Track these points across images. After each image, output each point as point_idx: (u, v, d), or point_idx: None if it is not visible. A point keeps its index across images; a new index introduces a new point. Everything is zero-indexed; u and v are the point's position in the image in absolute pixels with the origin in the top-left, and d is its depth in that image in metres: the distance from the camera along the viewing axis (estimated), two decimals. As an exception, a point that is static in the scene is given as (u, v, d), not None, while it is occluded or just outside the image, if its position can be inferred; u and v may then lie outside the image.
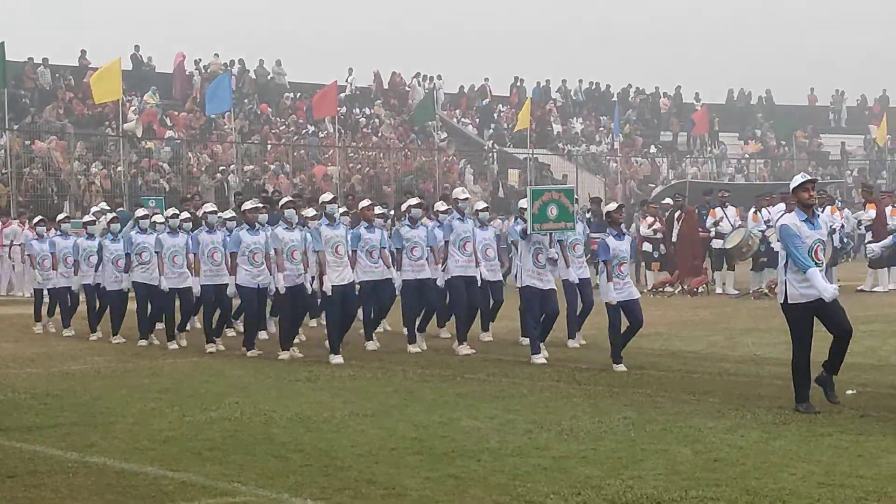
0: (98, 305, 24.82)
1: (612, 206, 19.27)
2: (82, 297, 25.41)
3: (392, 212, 29.86)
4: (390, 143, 56.69)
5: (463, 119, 63.44)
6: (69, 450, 12.70)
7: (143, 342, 23.00)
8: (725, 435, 12.81)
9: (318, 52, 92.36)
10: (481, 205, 22.34)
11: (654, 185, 57.36)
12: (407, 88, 63.23)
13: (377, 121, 59.54)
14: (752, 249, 31.11)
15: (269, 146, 52.69)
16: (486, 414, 14.48)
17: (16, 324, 28.68)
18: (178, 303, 23.03)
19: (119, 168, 44.51)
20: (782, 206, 29.93)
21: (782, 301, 14.65)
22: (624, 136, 64.53)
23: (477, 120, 63.82)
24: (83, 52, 54.56)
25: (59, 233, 25.68)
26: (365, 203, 21.60)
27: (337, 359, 19.76)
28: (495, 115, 64.47)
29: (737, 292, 31.39)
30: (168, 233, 22.68)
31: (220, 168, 47.83)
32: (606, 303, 18.02)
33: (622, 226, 18.83)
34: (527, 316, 19.89)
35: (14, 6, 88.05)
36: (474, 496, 10.22)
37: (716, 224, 31.81)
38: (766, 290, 28.49)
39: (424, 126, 58.39)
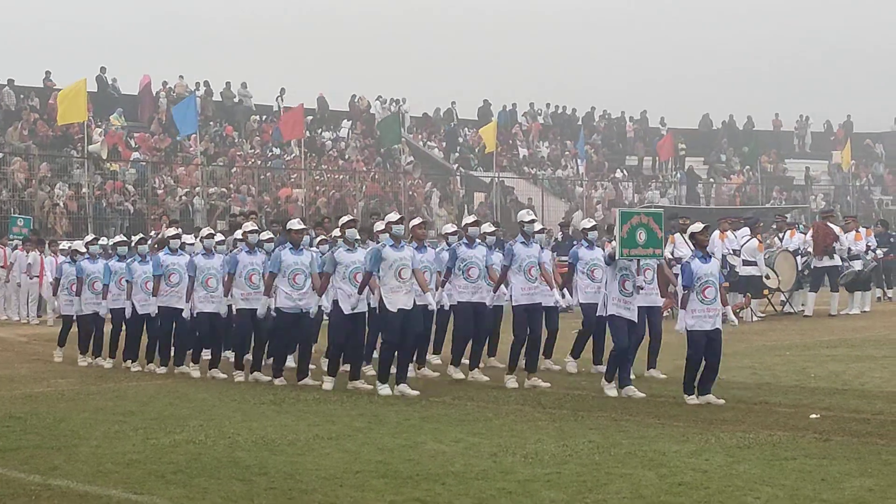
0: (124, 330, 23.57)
1: (698, 226, 17.59)
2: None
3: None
4: (356, 167, 56.72)
5: (429, 142, 63.47)
6: (32, 472, 12.67)
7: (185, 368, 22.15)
8: (690, 459, 12.86)
9: (284, 75, 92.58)
10: (538, 226, 20.65)
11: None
12: (372, 112, 63.25)
13: (343, 144, 59.56)
14: None
15: (234, 168, 52.66)
16: (451, 437, 14.49)
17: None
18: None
19: (84, 190, 44.40)
20: (747, 230, 30.10)
21: None
22: (589, 160, 64.76)
23: (443, 143, 63.86)
24: (48, 73, 54.40)
25: (86, 256, 24.28)
26: (417, 221, 20.27)
27: (400, 388, 18.59)
28: (461, 139, 64.51)
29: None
30: (203, 254, 21.86)
31: (185, 190, 47.84)
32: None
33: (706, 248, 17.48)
34: (614, 348, 18.29)
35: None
36: (439, 519, 10.23)
37: (671, 252, 31.57)
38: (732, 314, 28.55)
39: (391, 149, 58.49)
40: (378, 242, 20.13)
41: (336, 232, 20.47)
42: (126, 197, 45.74)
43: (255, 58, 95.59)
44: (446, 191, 56.84)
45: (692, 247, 17.52)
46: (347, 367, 19.94)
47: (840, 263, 32.25)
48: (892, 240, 39.56)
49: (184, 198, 47.07)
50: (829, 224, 33.30)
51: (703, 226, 17.53)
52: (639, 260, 18.03)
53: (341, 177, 55.22)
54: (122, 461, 13.27)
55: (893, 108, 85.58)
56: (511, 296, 19.72)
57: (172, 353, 22.45)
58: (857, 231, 34.25)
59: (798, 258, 32.16)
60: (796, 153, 74.36)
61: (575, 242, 21.26)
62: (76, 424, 16.09)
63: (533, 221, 20.35)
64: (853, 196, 66.94)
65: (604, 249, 20.24)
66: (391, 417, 16.36)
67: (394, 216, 19.66)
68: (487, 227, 21.29)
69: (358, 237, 19.98)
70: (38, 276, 34.63)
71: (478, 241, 20.24)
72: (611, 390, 18.02)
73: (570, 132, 67.93)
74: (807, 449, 13.36)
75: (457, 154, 62.82)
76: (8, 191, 43.27)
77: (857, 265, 32.43)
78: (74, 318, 24.44)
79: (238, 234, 22.91)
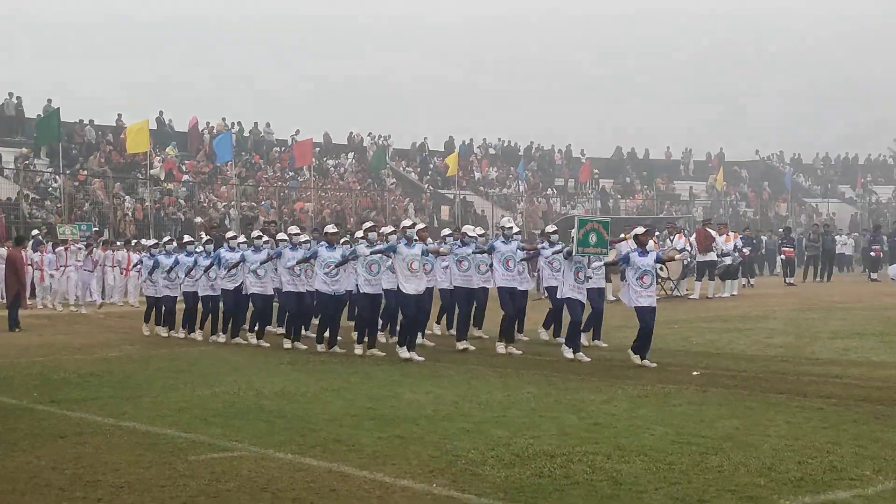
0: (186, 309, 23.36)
1: (640, 230, 17.64)
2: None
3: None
4: (352, 186, 56.68)
5: (407, 168, 63.49)
6: (107, 416, 12.64)
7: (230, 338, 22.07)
8: (602, 405, 12.88)
9: (298, 117, 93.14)
10: (516, 229, 20.60)
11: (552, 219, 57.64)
12: (364, 144, 63.26)
13: (342, 169, 59.54)
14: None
15: (260, 187, 52.56)
16: (424, 389, 14.48)
17: (65, 320, 28.50)
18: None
19: (147, 203, 44.34)
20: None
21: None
22: (527, 181, 64.85)
23: (418, 168, 63.90)
24: (119, 115, 54.23)
25: (162, 252, 23.85)
26: (421, 226, 19.31)
27: (408, 353, 18.15)
28: (431, 165, 64.50)
29: (614, 298, 31.50)
30: (252, 250, 21.65)
31: (223, 204, 47.85)
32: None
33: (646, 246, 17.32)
34: (571, 321, 18.05)
35: (66, 79, 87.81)
36: (414, 451, 10.22)
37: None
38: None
39: (378, 173, 58.50)
40: (501, 238, 20.04)
41: (359, 233, 20.14)
42: (178, 209, 45.70)
43: (276, 106, 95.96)
44: (419, 204, 56.78)
45: (634, 245, 17.36)
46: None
47: (716, 259, 32.44)
48: (753, 241, 39.85)
49: (222, 209, 47.06)
50: (707, 229, 33.50)
51: (644, 229, 17.59)
52: (590, 256, 17.78)
53: (341, 194, 55.13)
54: (174, 408, 13.25)
55: (754, 142, 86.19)
56: (494, 281, 19.64)
57: (229, 325, 22.34)
58: (727, 235, 34.38)
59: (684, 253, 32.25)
60: (682, 176, 74.46)
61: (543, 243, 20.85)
62: (140, 380, 16.06)
63: (511, 227, 20.27)
64: (725, 208, 67.10)
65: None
66: (378, 374, 16.35)
67: (408, 222, 19.42)
68: (479, 230, 21.43)
69: (369, 239, 19.40)
70: (125, 269, 34.05)
71: (416, 240, 18.96)
72: (568, 353, 17.85)
73: (513, 160, 67.85)
74: (690, 398, 13.41)
75: (428, 176, 62.83)
76: (90, 204, 43.14)
77: (728, 260, 32.54)
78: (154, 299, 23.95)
79: (282, 235, 22.64)
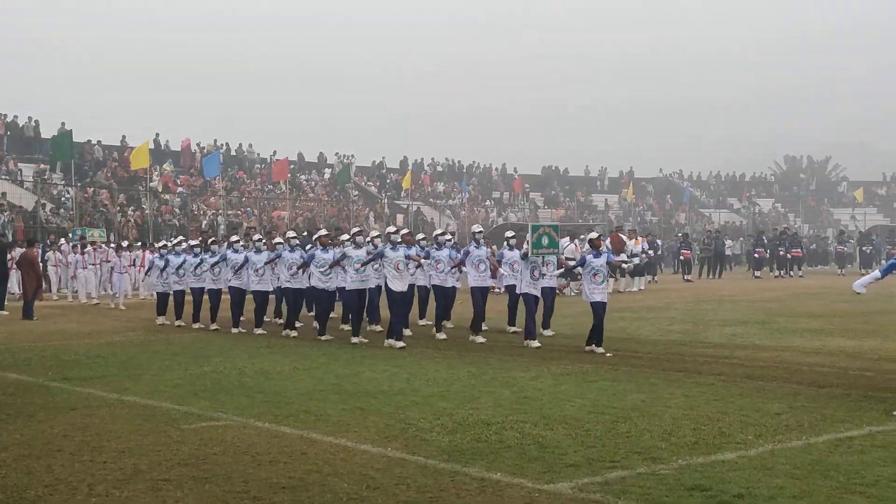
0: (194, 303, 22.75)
1: (594, 234, 17.10)
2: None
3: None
4: (321, 198, 56.46)
5: (368, 182, 63.34)
6: (111, 392, 12.52)
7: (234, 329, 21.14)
8: (531, 381, 12.91)
9: (277, 138, 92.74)
10: (481, 235, 19.79)
11: (489, 227, 57.71)
12: (331, 162, 63.09)
13: (313, 183, 59.30)
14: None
15: (243, 198, 52.24)
16: (380, 368, 14.45)
17: (78, 310, 28.21)
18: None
19: (147, 211, 43.99)
20: (567, 239, 30.22)
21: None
22: (469, 194, 64.91)
23: (377, 183, 63.77)
24: (123, 136, 53.63)
25: (172, 252, 23.20)
26: (405, 231, 18.87)
27: (398, 343, 17.40)
28: (388, 180, 64.40)
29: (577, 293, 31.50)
30: (254, 252, 21.13)
31: (212, 212, 47.52)
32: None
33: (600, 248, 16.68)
34: (528, 314, 17.44)
35: (76, 105, 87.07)
36: (373, 421, 10.20)
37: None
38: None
39: (344, 187, 58.32)
40: (342, 247, 19.51)
41: (345, 236, 19.79)
42: (174, 216, 45.35)
43: (260, 128, 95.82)
44: (378, 213, 56.69)
45: (590, 247, 16.80)
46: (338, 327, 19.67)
47: (627, 259, 32.58)
48: (657, 244, 40.07)
49: (211, 217, 46.70)
50: (619, 234, 33.66)
51: (598, 234, 17.24)
52: (543, 256, 17.60)
53: (312, 204, 54.90)
54: (170, 384, 13.15)
55: (659, 161, 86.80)
56: (469, 280, 19.09)
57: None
58: (636, 239, 34.65)
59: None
60: (598, 190, 74.86)
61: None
62: (141, 361, 15.92)
63: (481, 232, 19.87)
64: (634, 217, 67.51)
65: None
66: (343, 356, 16.29)
67: (393, 228, 18.92)
68: (448, 235, 20.62)
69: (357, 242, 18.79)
70: (140, 266, 32.87)
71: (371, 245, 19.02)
72: (535, 344, 17.17)
73: (457, 176, 67.93)
74: (604, 375, 13.47)
75: (385, 190, 62.71)
76: (98, 213, 42.72)
77: (636, 260, 32.72)
78: (165, 293, 23.49)
79: (279, 238, 22.02)
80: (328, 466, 8.22)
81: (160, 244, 25.95)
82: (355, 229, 20.20)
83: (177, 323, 22.83)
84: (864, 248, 46.76)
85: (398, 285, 17.76)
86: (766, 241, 45.11)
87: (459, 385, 12.70)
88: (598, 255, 16.48)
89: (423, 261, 19.05)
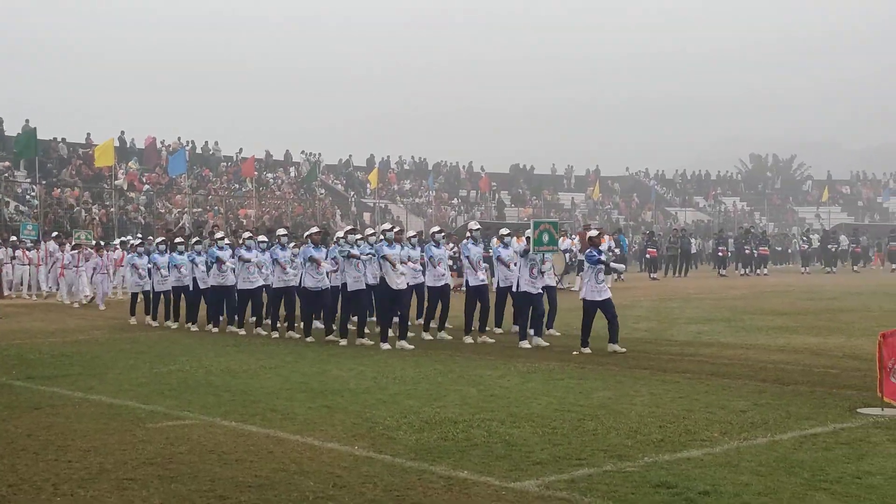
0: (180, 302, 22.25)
1: (594, 233, 17.02)
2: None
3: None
4: (288, 196, 56.29)
5: (335, 180, 63.21)
6: (76, 390, 12.44)
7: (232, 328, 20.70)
8: (498, 379, 12.94)
9: (243, 137, 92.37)
10: (480, 233, 19.55)
11: (456, 225, 57.71)
12: (297, 160, 62.91)
13: (280, 181, 59.10)
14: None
15: (210, 196, 51.98)
16: (347, 367, 14.44)
17: (41, 308, 27.97)
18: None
19: (112, 209, 43.68)
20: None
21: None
22: (435, 192, 64.95)
23: (344, 181, 63.64)
24: (88, 133, 53.21)
25: (156, 251, 22.75)
26: (397, 229, 18.42)
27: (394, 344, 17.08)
28: (356, 178, 64.30)
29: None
30: (245, 249, 20.47)
31: (178, 210, 47.28)
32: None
33: (599, 247, 16.61)
34: (521, 312, 17.16)
35: (43, 102, 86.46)
36: (339, 419, 10.19)
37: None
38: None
39: (311, 185, 58.17)
40: (471, 241, 19.08)
41: (340, 234, 19.28)
42: (139, 214, 45.06)
43: (226, 126, 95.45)
44: (346, 211, 56.61)
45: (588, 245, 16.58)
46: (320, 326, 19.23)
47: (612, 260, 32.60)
48: (623, 242, 40.23)
49: (177, 215, 46.46)
50: (587, 232, 33.72)
51: (598, 232, 17.15)
52: (544, 254, 17.08)
53: (279, 202, 54.70)
54: (135, 383, 13.07)
55: (624, 160, 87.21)
56: (466, 280, 18.91)
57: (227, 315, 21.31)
58: (603, 237, 34.66)
59: (567, 254, 32.44)
60: (566, 188, 74.97)
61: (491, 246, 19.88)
62: (106, 360, 15.82)
63: (441, 232, 19.64)
64: (601, 215, 67.73)
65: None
66: (309, 354, 16.28)
67: (387, 226, 18.36)
68: (437, 230, 20.28)
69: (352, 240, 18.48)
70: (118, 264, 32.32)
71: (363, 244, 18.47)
72: (524, 344, 16.90)
73: (423, 174, 67.88)
74: (570, 373, 13.52)
75: (352, 188, 62.62)
76: (63, 210, 42.41)
77: (603, 258, 32.83)
78: (140, 294, 23.17)
79: (271, 237, 21.67)
80: (295, 465, 8.20)
81: (136, 242, 25.10)
82: (348, 227, 19.90)
83: (152, 322, 22.46)
84: (828, 247, 47.20)
85: (394, 283, 17.26)
86: (730, 239, 45.38)
87: (426, 383, 12.71)
88: (599, 252, 16.31)
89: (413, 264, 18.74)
